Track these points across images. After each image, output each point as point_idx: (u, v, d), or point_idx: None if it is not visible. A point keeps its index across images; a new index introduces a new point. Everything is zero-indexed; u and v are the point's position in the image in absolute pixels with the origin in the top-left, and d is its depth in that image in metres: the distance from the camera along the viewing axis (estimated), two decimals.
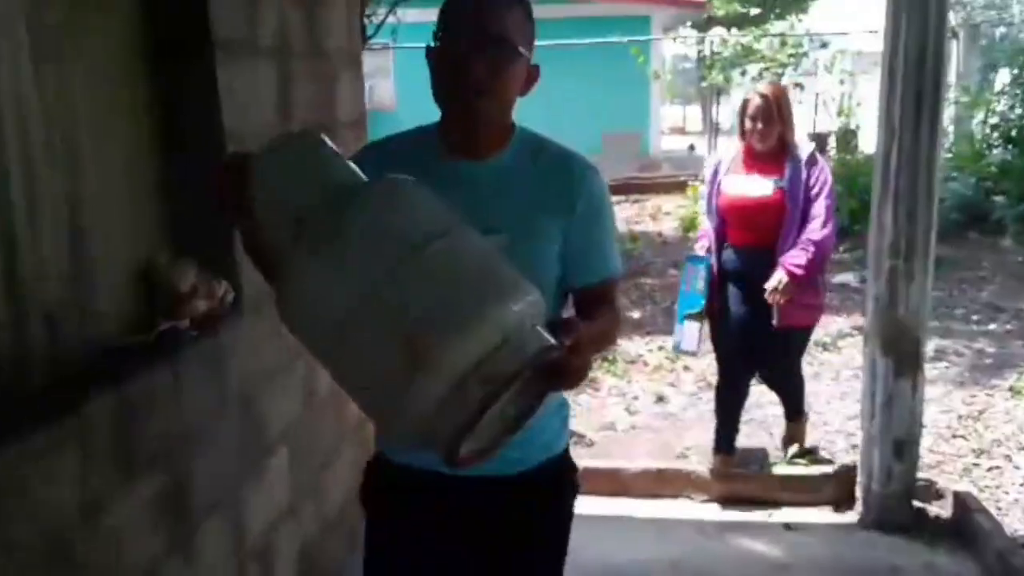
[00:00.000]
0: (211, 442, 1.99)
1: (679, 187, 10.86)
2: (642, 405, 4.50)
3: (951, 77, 10.59)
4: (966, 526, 3.03)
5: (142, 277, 1.97)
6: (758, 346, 3.38)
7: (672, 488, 3.45)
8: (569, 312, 1.48)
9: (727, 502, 3.36)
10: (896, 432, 3.05)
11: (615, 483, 3.45)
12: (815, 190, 3.24)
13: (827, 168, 3.36)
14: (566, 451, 1.57)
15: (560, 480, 1.56)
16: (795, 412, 3.67)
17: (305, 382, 2.50)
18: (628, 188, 11.58)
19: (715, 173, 3.45)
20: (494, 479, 1.38)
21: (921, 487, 3.22)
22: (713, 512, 3.33)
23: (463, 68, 1.35)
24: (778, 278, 3.17)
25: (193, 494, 1.91)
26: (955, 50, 11.07)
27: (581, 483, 1.62)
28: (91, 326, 1.76)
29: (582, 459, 3.74)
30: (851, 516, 3.21)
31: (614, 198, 6.61)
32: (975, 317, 5.68)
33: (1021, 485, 3.50)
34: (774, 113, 3.25)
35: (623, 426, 4.26)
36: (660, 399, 4.56)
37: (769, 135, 3.27)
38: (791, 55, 11.14)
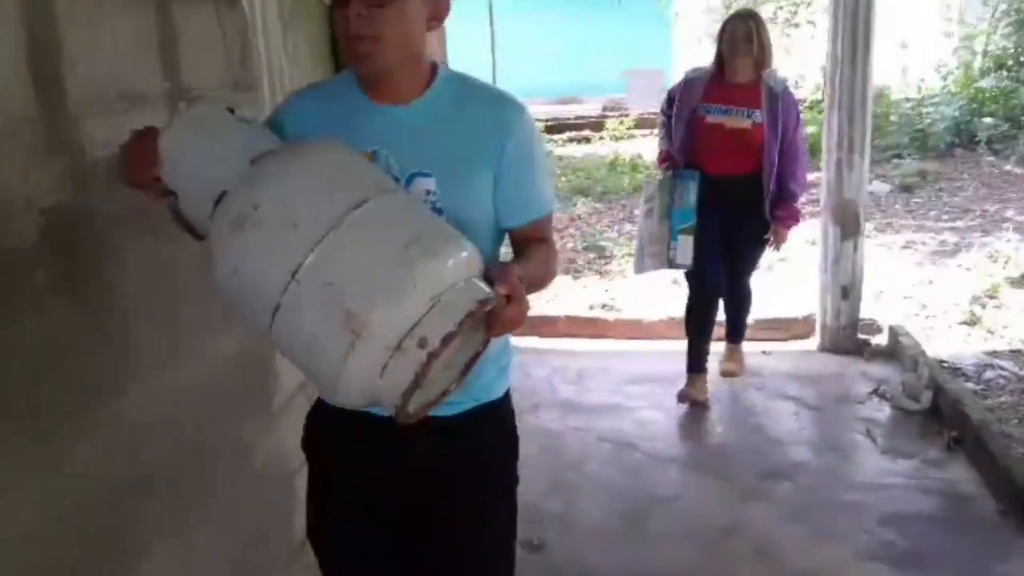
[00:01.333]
0: None
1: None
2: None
3: (954, 10, 11.35)
4: (894, 347, 4.15)
5: None
6: (732, 268, 3.62)
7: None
8: (506, 252, 1.48)
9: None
10: (842, 280, 4.17)
11: (634, 330, 4.62)
12: (791, 127, 3.37)
13: (797, 103, 3.53)
14: (506, 396, 1.51)
15: (501, 425, 1.51)
16: (738, 334, 3.93)
17: None
18: (652, 122, 12.51)
19: (686, 97, 3.44)
20: (434, 421, 1.23)
21: (865, 323, 4.34)
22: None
23: (338, 16, 1.30)
24: (781, 242, 3.53)
25: None
26: None
27: (519, 435, 1.56)
28: None
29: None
30: (811, 344, 4.35)
31: (640, 131, 7.87)
32: (945, 216, 6.71)
33: (948, 327, 4.59)
34: (753, 40, 3.27)
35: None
36: None
37: (746, 64, 3.31)
38: None
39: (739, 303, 3.83)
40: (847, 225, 4.12)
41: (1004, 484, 2.83)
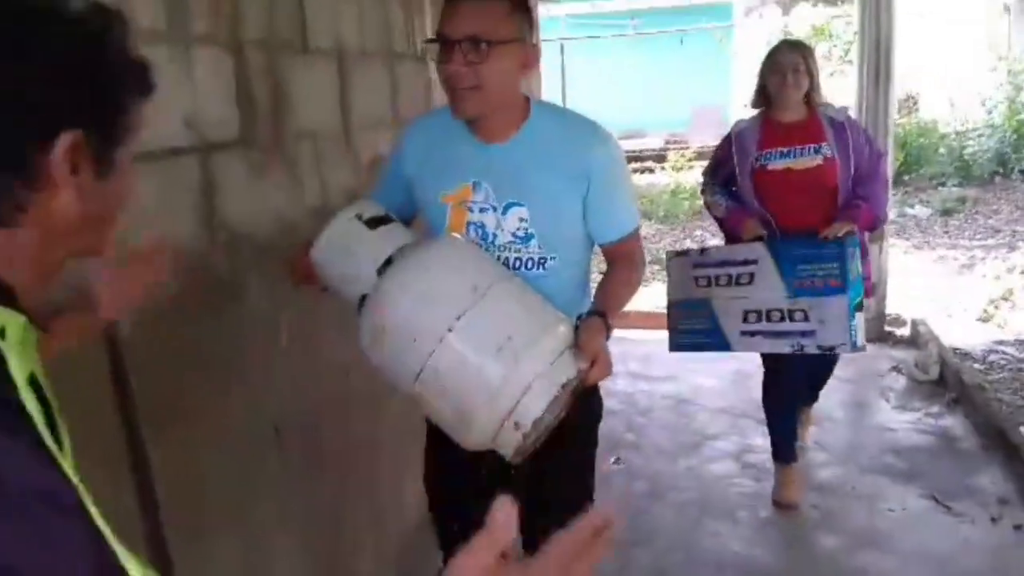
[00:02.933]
0: None
1: None
2: None
3: (1004, 48, 11.98)
4: (915, 336, 4.92)
5: None
6: None
7: None
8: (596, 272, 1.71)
9: None
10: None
11: None
12: (866, 155, 2.89)
13: (866, 131, 3.15)
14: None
15: (590, 400, 1.72)
16: (814, 399, 3.63)
17: None
18: (711, 154, 13.32)
19: (742, 151, 2.96)
20: None
21: (892, 318, 5.11)
22: None
23: (442, 70, 1.48)
24: (831, 231, 2.72)
25: None
26: (1008, 23, 12.37)
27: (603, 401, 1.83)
28: None
29: None
30: None
31: (699, 162, 9.02)
32: (978, 236, 7.41)
33: (965, 323, 5.33)
34: (802, 70, 2.84)
35: None
36: None
37: (796, 99, 2.87)
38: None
39: (822, 376, 3.54)
40: (873, 231, 4.93)
41: (985, 426, 3.61)
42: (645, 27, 13.70)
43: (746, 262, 2.65)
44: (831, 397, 4.26)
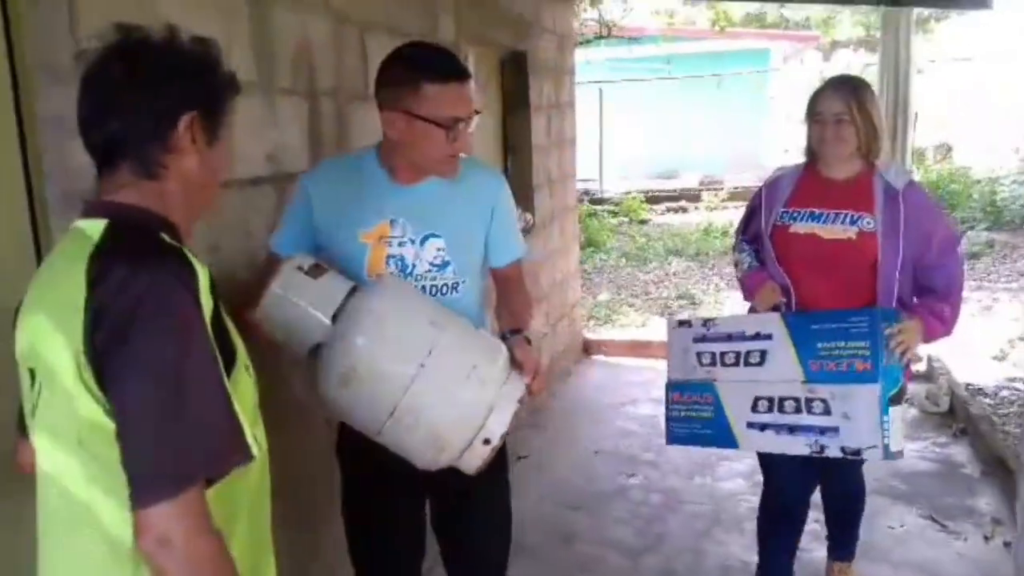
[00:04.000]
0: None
1: None
2: None
3: None
4: (930, 371, 5.10)
5: None
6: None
7: None
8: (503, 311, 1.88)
9: None
10: None
11: None
12: (930, 240, 2.23)
13: (936, 206, 2.39)
14: None
15: None
16: (847, 548, 2.78)
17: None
18: (747, 195, 13.59)
19: (770, 202, 2.41)
20: None
21: None
22: None
23: (463, 140, 1.68)
24: (905, 344, 2.12)
25: None
26: None
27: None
28: None
29: None
30: None
31: (732, 203, 9.40)
32: (1003, 279, 7.56)
33: (980, 361, 5.50)
34: (850, 121, 2.24)
35: None
36: None
37: (842, 154, 2.28)
38: None
39: (846, 497, 2.69)
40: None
41: (987, 453, 3.81)
42: (682, 71, 14.06)
43: (758, 336, 2.21)
44: None
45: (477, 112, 1.70)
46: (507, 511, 1.96)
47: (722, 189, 13.44)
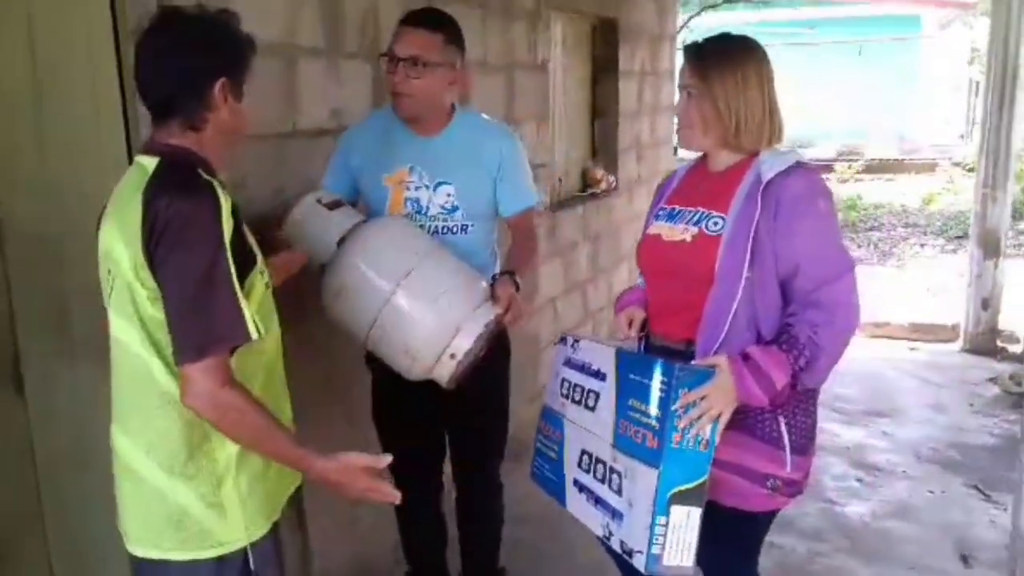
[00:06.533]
0: (593, 240, 4.69)
1: (929, 168, 12.31)
2: None
3: None
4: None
5: (583, 171, 4.73)
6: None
7: None
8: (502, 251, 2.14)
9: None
10: (983, 293, 5.08)
11: None
12: (803, 257, 1.59)
13: (821, 192, 1.65)
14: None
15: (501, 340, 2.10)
16: None
17: None
18: (885, 167, 13.09)
19: (655, 198, 1.89)
20: None
21: (1006, 333, 5.18)
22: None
23: (388, 79, 1.95)
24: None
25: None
26: None
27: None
28: (567, 189, 4.52)
29: None
30: (954, 347, 5.26)
31: (867, 175, 9.18)
32: None
33: None
34: (695, 95, 1.69)
35: None
36: None
37: (694, 139, 1.74)
38: None
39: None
40: (989, 248, 5.04)
41: None
42: (825, 36, 13.57)
43: (598, 374, 1.73)
44: (913, 396, 4.51)
45: (405, 59, 1.91)
46: (502, 404, 2.27)
47: (858, 161, 12.97)
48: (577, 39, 4.45)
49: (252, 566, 1.47)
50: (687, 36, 8.21)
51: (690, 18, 9.23)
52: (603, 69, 4.69)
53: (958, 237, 8.61)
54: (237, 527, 1.45)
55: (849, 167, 12.63)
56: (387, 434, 2.24)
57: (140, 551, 1.47)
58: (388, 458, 1.46)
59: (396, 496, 1.45)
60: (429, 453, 2.29)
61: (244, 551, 1.46)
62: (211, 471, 1.42)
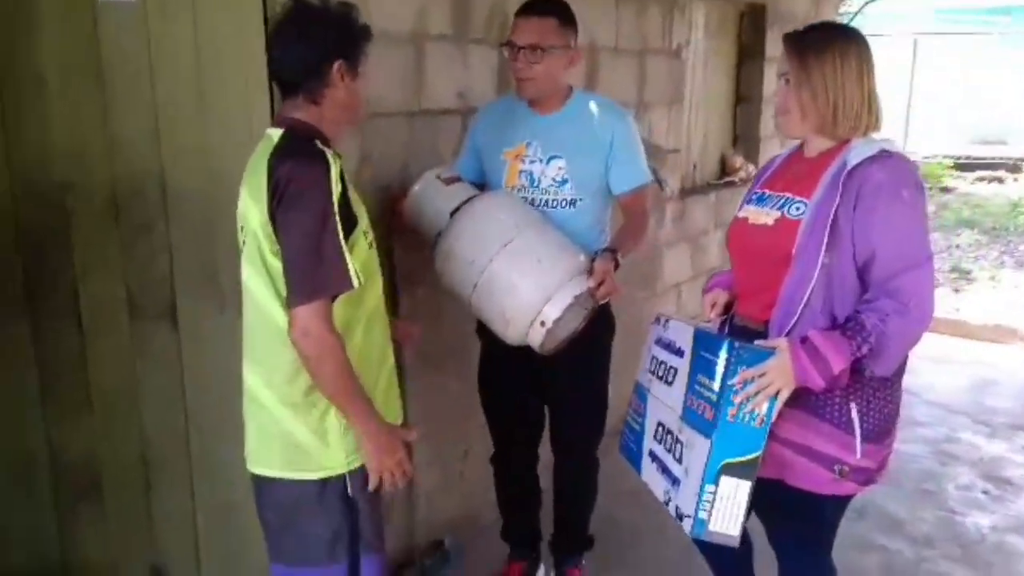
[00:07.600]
0: None
1: None
2: None
3: None
4: None
5: (721, 158, 4.70)
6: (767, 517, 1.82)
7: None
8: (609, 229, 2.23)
9: None
10: None
11: (955, 328, 5.43)
12: (883, 247, 1.58)
13: (907, 182, 1.62)
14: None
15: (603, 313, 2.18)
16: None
17: None
18: None
19: (753, 183, 1.92)
20: None
21: None
22: None
23: (512, 67, 2.11)
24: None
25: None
26: None
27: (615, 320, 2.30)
28: (703, 176, 4.51)
29: None
30: None
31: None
32: None
33: None
34: (784, 84, 1.73)
35: None
36: None
37: (787, 127, 1.77)
38: None
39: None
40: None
41: None
42: (1020, 24, 12.47)
43: (679, 351, 1.80)
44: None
45: (526, 47, 2.05)
46: (602, 381, 2.33)
47: None
48: (722, 24, 4.42)
49: (350, 492, 1.67)
50: (861, 23, 7.83)
51: (865, 3, 8.76)
52: (749, 55, 4.63)
53: None
54: (338, 455, 1.66)
55: None
56: (489, 399, 2.41)
57: (257, 469, 1.70)
58: (416, 433, 1.74)
59: (410, 473, 1.69)
60: (527, 423, 2.41)
61: (343, 477, 1.66)
62: (317, 404, 1.63)
